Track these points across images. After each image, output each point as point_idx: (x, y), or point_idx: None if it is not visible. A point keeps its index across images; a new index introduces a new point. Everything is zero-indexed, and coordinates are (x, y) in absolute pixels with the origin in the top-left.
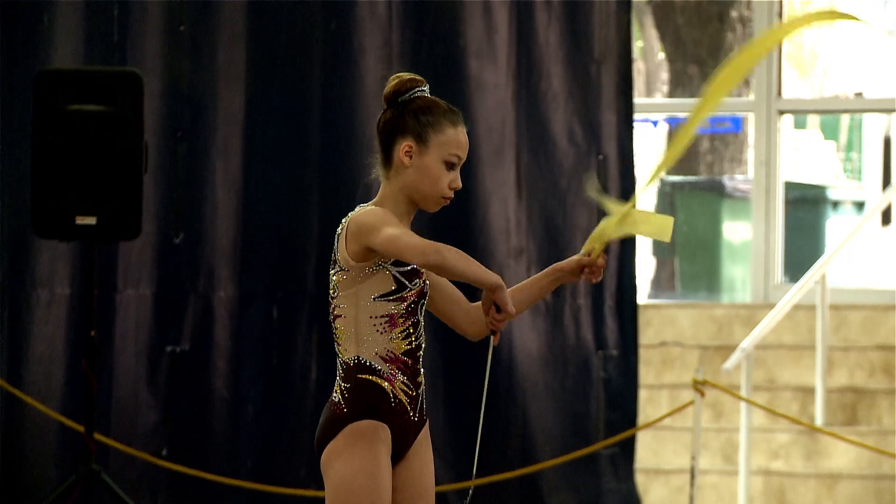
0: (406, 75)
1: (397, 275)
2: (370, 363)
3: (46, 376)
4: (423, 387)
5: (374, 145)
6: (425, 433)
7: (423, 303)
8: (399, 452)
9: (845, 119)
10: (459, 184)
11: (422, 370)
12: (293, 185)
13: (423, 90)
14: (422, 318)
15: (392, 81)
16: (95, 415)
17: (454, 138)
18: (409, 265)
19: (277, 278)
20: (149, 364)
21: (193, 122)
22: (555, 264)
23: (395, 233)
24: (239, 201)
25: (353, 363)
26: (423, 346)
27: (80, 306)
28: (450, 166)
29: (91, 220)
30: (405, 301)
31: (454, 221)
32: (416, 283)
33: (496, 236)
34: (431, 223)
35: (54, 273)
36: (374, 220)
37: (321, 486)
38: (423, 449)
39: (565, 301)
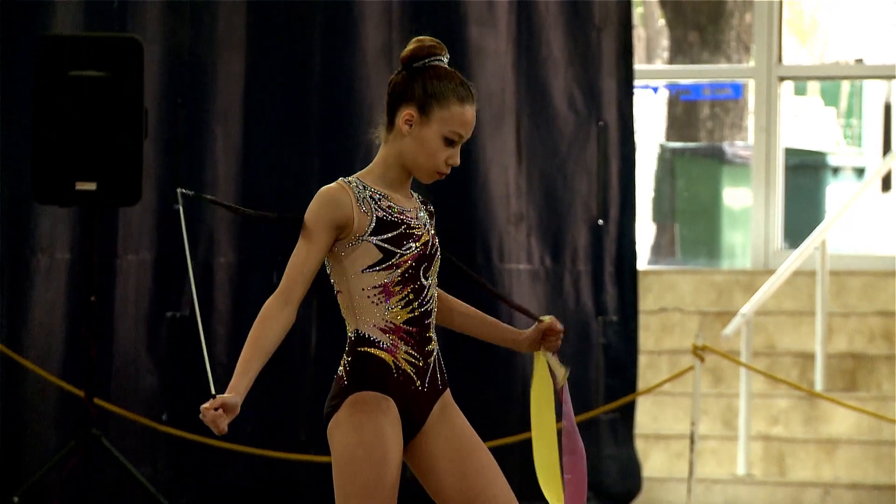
0: (428, 40)
1: (380, 244)
2: (369, 335)
3: (46, 341)
4: (434, 355)
5: (374, 111)
6: (446, 401)
7: (429, 266)
8: (413, 424)
9: (845, 85)
10: (457, 160)
11: (433, 338)
12: (293, 150)
13: (441, 59)
14: (430, 282)
15: (411, 45)
16: (95, 380)
17: (459, 116)
18: (391, 232)
19: (277, 244)
20: (149, 329)
21: (193, 89)
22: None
23: (291, 260)
24: (239, 167)
25: (354, 336)
26: (434, 311)
27: (80, 272)
28: (449, 142)
29: (91, 186)
30: (399, 268)
31: (454, 187)
32: (409, 248)
33: (496, 202)
34: (432, 189)
35: (54, 239)
36: (307, 218)
37: (321, 451)
38: (449, 414)
39: (565, 267)
